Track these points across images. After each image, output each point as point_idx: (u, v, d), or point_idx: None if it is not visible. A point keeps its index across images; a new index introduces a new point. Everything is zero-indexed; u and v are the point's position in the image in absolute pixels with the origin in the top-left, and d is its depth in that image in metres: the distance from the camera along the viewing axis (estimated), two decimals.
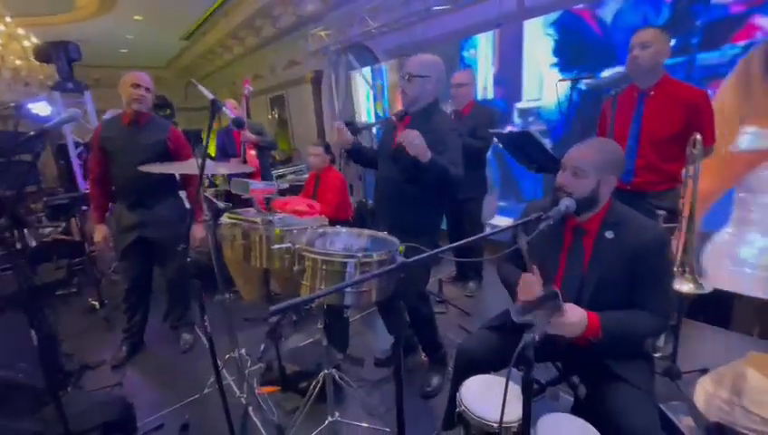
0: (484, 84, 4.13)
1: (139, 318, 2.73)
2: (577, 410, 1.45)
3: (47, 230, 3.78)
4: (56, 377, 2.23)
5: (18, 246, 2.61)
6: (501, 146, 2.62)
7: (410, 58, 1.90)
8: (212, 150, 5.59)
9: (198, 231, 2.54)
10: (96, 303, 3.45)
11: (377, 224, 2.01)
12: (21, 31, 4.92)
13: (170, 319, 2.91)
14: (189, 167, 2.20)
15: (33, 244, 3.72)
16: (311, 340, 2.66)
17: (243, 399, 2.11)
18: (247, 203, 2.26)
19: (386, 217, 2.01)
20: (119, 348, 2.70)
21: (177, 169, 2.35)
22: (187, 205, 2.18)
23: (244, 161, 3.70)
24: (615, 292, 1.31)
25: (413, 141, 1.68)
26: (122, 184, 2.50)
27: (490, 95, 4.11)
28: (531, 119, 3.74)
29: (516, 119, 3.89)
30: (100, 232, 2.53)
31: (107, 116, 2.72)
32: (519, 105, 3.85)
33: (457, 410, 1.29)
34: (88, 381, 2.49)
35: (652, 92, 1.99)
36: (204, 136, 7.79)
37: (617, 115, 2.08)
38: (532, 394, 1.02)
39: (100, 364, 2.63)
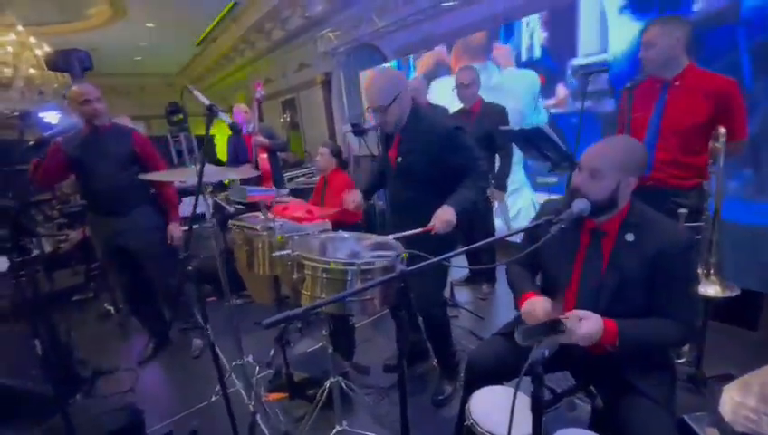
0: (529, 42, 3.50)
1: (153, 319, 2.76)
2: (595, 421, 1.37)
3: (62, 237, 3.84)
4: (64, 385, 2.25)
5: (34, 253, 2.65)
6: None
7: (368, 90, 1.81)
8: (222, 156, 5.62)
9: (174, 229, 2.52)
10: (111, 308, 3.49)
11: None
12: (33, 39, 4.98)
13: (176, 324, 2.92)
14: (188, 173, 2.11)
15: (48, 250, 3.79)
16: (319, 345, 2.62)
17: (251, 406, 2.08)
18: (257, 207, 2.24)
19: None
20: (146, 346, 2.76)
21: (170, 176, 2.25)
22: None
23: (256, 165, 3.69)
24: (635, 298, 1.23)
25: (445, 228, 1.67)
26: (93, 194, 2.45)
27: (537, 54, 3.49)
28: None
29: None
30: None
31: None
32: (575, 62, 3.17)
33: (466, 423, 1.23)
34: (101, 387, 2.50)
35: (677, 82, 1.87)
36: (217, 140, 7.85)
37: (634, 107, 1.97)
38: (546, 407, 0.95)
39: (113, 370, 2.64)
